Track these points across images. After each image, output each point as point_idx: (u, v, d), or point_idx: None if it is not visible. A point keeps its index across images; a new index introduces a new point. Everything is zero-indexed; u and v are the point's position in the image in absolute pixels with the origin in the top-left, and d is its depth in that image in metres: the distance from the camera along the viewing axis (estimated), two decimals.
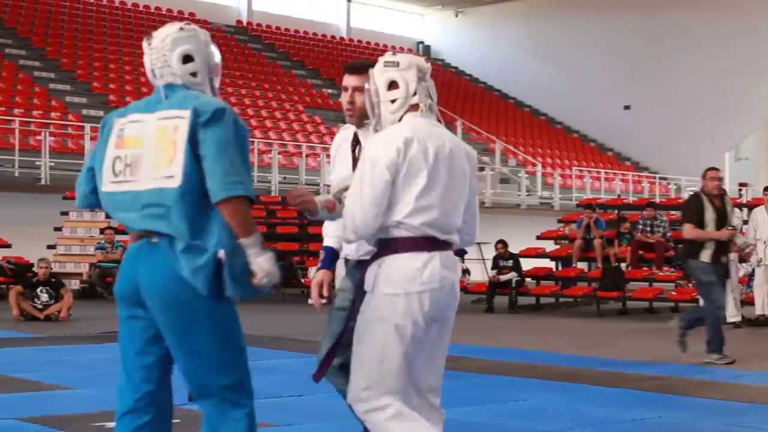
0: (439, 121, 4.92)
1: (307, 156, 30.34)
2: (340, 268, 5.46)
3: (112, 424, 4.79)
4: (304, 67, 41.36)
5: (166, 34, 4.57)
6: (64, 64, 33.30)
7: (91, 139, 26.47)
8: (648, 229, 20.00)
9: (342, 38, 47.32)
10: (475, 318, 18.20)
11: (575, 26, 45.07)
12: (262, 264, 4.30)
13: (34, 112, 28.16)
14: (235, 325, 4.44)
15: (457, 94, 44.89)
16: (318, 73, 41.19)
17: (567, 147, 42.89)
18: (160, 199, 4.32)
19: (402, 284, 4.61)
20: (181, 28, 4.62)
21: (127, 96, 32.46)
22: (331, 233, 5.41)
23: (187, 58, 4.57)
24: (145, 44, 4.63)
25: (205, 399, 4.43)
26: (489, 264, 21.71)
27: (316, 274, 5.40)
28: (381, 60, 4.88)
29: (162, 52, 4.55)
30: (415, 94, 4.78)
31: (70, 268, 21.81)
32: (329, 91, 39.81)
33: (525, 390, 9.25)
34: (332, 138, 25.95)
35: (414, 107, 4.79)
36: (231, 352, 4.41)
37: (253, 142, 28.17)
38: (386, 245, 4.68)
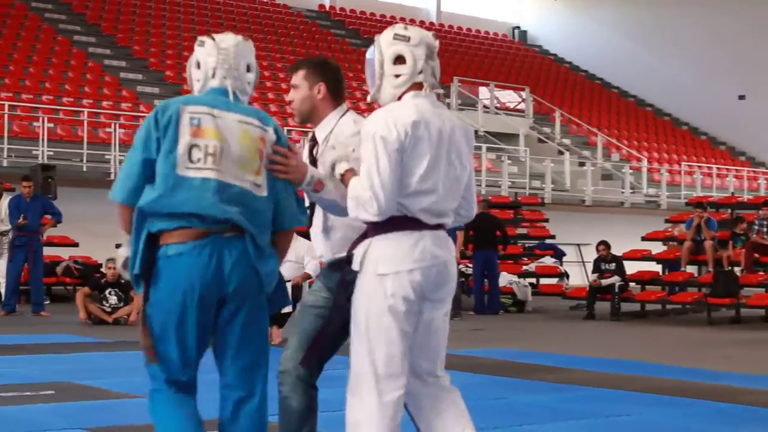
0: (440, 101, 5.11)
1: None
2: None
3: None
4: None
5: (234, 42, 5.03)
6: (135, 52, 33.71)
7: None
8: (765, 230, 19.71)
9: (432, 23, 47.31)
10: (575, 325, 18.09)
11: (683, 10, 44.55)
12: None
13: (104, 103, 28.50)
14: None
15: (556, 83, 44.65)
16: None
17: (675, 140, 42.46)
18: (249, 201, 4.82)
19: (392, 263, 4.82)
20: (246, 39, 5.09)
21: None
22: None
23: (248, 68, 5.06)
24: (208, 42, 5.02)
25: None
26: (589, 267, 21.55)
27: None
28: (390, 30, 5.01)
29: (229, 57, 4.98)
30: (421, 72, 4.97)
31: None
32: None
33: (628, 404, 9.15)
34: None
35: (417, 85, 4.98)
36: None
37: None
38: (375, 225, 4.87)
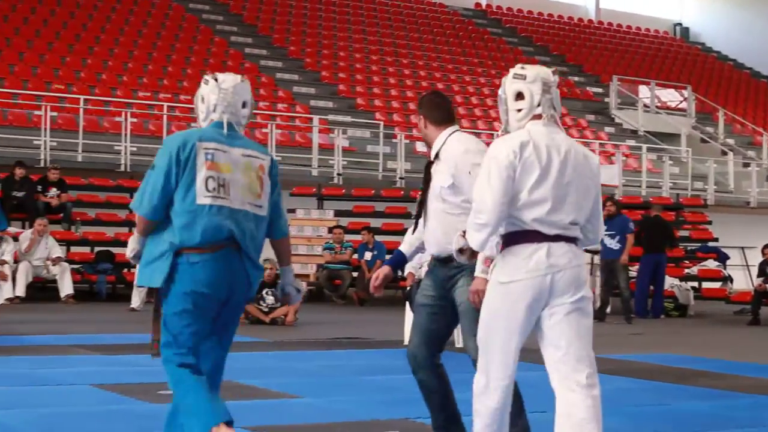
0: (560, 127, 5.78)
1: None
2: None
3: None
4: (547, 53, 41.20)
5: (233, 82, 6.18)
6: (291, 53, 34.13)
7: (320, 131, 27.05)
8: None
9: (590, 21, 46.95)
10: (738, 331, 17.80)
11: None
12: (297, 282, 6.48)
13: (261, 104, 28.95)
14: None
15: (719, 82, 43.89)
16: (563, 60, 40.95)
17: None
18: (250, 221, 6.06)
19: (509, 272, 5.53)
20: (242, 80, 6.26)
21: (357, 86, 33.01)
22: (408, 240, 6.92)
23: (244, 104, 6.24)
24: (211, 81, 6.16)
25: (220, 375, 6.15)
26: (754, 271, 21.16)
27: (381, 267, 6.93)
28: (512, 71, 5.79)
29: (227, 95, 6.13)
30: (539, 105, 5.68)
31: (296, 270, 22.23)
32: (575, 78, 39.54)
33: None
34: (579, 131, 25.83)
35: (537, 116, 5.68)
36: None
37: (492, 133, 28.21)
38: (503, 239, 5.63)
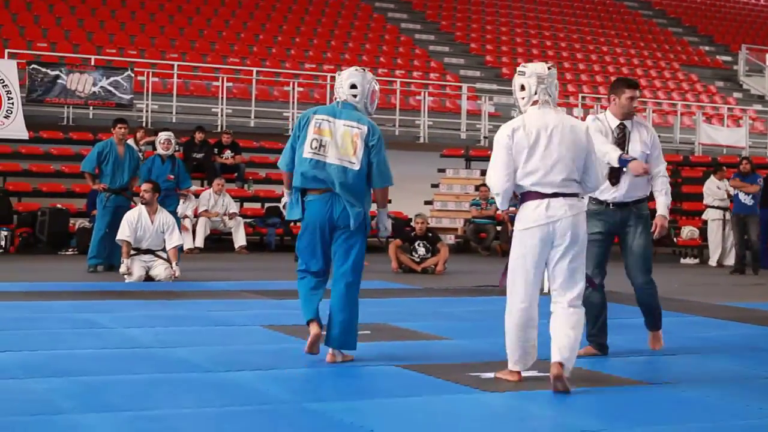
0: (553, 109, 6.99)
1: (682, 114, 29.61)
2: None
3: (487, 375, 7.26)
4: (680, 24, 40.33)
5: (361, 78, 7.84)
6: (443, 27, 34.06)
7: (468, 98, 27.00)
8: None
9: None
10: None
11: None
12: (387, 222, 8.25)
13: (414, 74, 29.01)
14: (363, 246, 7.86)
15: None
16: (695, 30, 40.04)
17: None
18: (344, 172, 7.61)
19: (523, 222, 6.91)
20: (360, 69, 7.88)
21: (503, 56, 32.80)
22: None
23: (353, 86, 7.80)
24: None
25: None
26: None
27: None
28: (517, 69, 7.14)
29: (340, 81, 7.84)
30: (536, 93, 6.97)
31: (445, 224, 22.35)
32: (706, 48, 38.65)
33: None
34: (708, 96, 25.22)
35: (535, 102, 6.98)
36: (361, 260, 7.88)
37: None
38: (520, 198, 6.96)
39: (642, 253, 8.20)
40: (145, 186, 13.94)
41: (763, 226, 19.45)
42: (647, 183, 8.22)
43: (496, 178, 6.87)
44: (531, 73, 6.97)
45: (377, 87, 7.94)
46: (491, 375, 7.25)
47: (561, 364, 6.69)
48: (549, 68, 7.05)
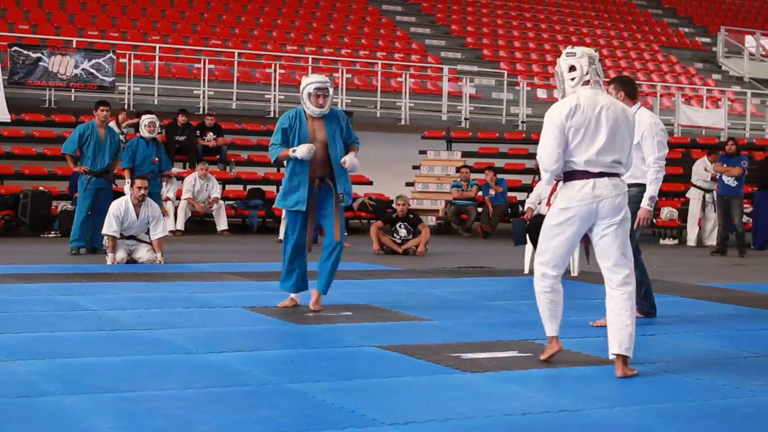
0: (603, 90, 7.10)
1: (661, 96, 29.66)
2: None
3: (469, 355, 7.22)
4: (659, 5, 40.35)
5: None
6: (424, 8, 33.97)
7: (449, 80, 26.99)
8: None
9: None
10: None
11: None
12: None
13: (396, 56, 28.95)
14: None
15: None
16: (674, 12, 40.08)
17: None
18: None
19: (566, 201, 6.91)
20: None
21: (483, 38, 32.77)
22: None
23: None
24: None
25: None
26: None
27: None
28: (564, 51, 7.15)
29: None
30: (587, 74, 6.99)
31: (426, 205, 22.33)
32: (686, 29, 38.69)
33: None
34: (688, 78, 25.32)
35: (587, 83, 7.00)
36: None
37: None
38: (563, 176, 6.95)
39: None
40: (140, 183, 13.65)
41: (760, 207, 19.46)
42: (642, 171, 8.67)
43: (548, 156, 6.85)
44: (582, 54, 7.01)
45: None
46: (472, 356, 7.26)
47: (624, 358, 6.73)
48: (595, 51, 7.12)
